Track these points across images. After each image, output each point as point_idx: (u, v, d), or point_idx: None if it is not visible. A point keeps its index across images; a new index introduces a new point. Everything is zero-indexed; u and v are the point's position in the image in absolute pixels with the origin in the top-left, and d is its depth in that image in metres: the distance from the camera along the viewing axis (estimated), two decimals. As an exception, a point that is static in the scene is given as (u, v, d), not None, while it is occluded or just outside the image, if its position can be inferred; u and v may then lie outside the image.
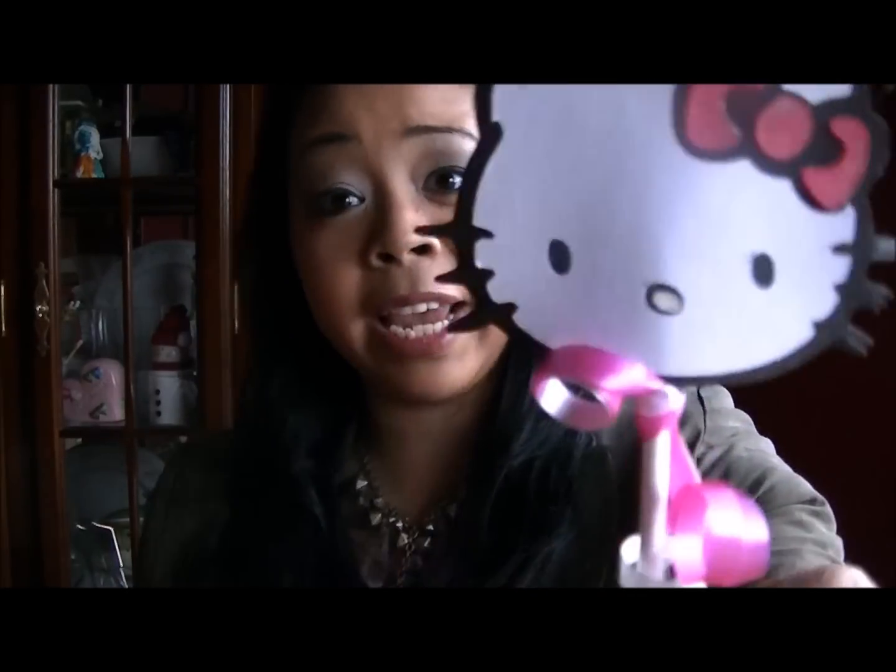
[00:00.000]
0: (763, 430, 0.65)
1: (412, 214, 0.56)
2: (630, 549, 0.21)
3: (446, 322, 0.56)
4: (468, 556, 0.59)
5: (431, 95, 0.57)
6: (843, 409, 1.79)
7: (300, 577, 0.61)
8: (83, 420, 1.62)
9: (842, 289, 0.18)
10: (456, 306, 0.57)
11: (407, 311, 0.56)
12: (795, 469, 0.61)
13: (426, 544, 0.63)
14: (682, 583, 0.21)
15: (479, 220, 0.19)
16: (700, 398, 0.62)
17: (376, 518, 0.64)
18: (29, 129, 1.49)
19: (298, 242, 0.60)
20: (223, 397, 1.51)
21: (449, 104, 0.57)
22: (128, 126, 1.50)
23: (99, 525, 1.58)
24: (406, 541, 0.63)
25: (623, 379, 0.18)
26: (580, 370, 0.19)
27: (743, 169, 0.17)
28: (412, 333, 0.56)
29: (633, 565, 0.21)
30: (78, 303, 1.74)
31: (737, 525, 0.20)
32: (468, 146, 0.57)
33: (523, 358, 0.59)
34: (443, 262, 0.56)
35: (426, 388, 0.57)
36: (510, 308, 0.19)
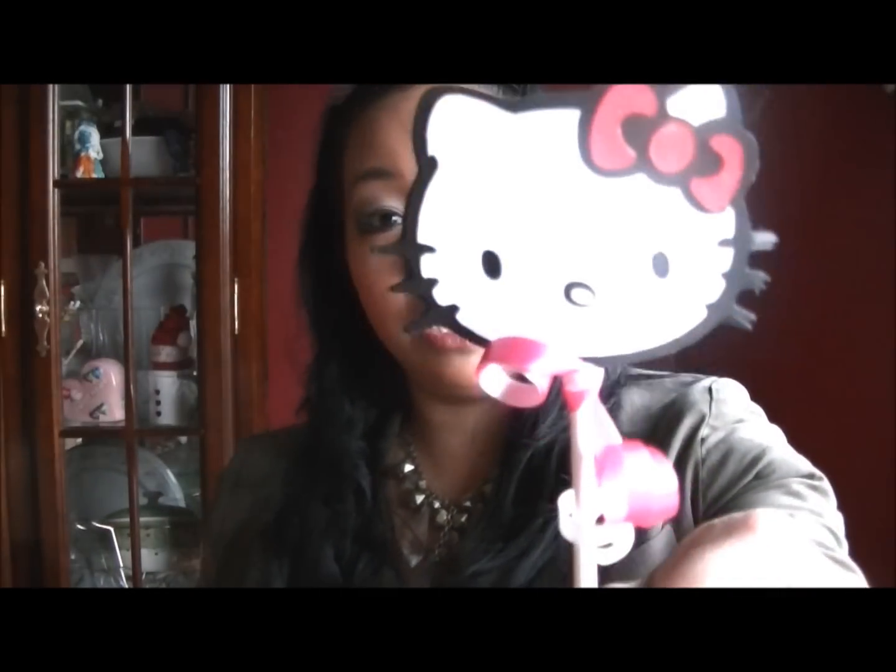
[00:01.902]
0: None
1: None
2: (566, 501, 0.25)
3: None
4: (495, 524, 0.66)
5: None
6: (844, 410, 1.79)
7: (342, 543, 0.69)
8: (83, 420, 1.61)
9: (727, 276, 0.22)
10: None
11: None
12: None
13: (463, 520, 0.71)
14: (608, 526, 0.24)
15: (422, 238, 0.23)
16: (710, 389, 0.68)
17: (419, 499, 0.73)
18: (29, 129, 1.49)
19: (352, 257, 0.70)
20: (223, 397, 1.51)
21: None
22: (128, 126, 1.50)
23: (99, 525, 1.58)
24: (445, 518, 0.72)
25: (548, 362, 0.23)
26: (512, 357, 0.23)
27: (640, 181, 0.21)
28: (445, 330, 0.63)
29: (570, 515, 0.25)
30: (78, 303, 1.74)
31: (649, 476, 0.23)
32: None
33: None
34: None
35: (459, 379, 0.66)
36: (453, 309, 0.24)
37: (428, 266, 0.23)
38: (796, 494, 0.59)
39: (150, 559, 1.57)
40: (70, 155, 1.58)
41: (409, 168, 0.65)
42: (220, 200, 1.50)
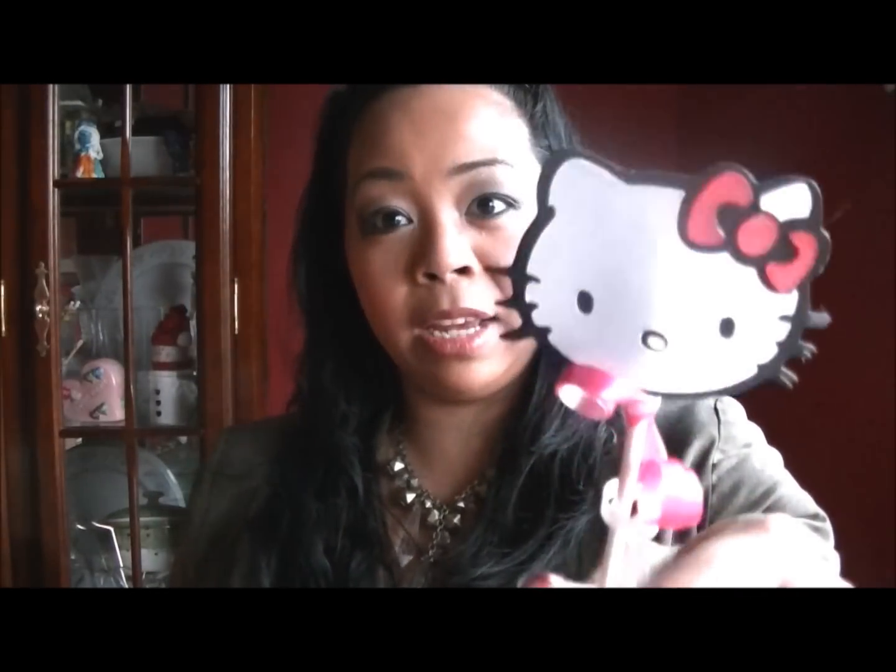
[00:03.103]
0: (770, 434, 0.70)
1: (455, 238, 0.63)
2: (610, 489, 0.29)
3: (477, 328, 0.64)
4: (496, 528, 0.66)
5: (476, 129, 0.64)
6: (845, 411, 1.79)
7: (333, 537, 0.68)
8: (83, 420, 1.61)
9: (780, 344, 0.27)
10: (486, 320, 0.65)
11: (447, 322, 0.64)
12: (798, 475, 0.66)
13: (456, 521, 0.70)
14: (640, 519, 0.29)
15: (530, 269, 0.28)
16: (716, 410, 0.69)
17: (410, 497, 0.72)
18: (29, 129, 1.49)
19: (353, 254, 0.68)
20: (223, 397, 1.51)
21: (491, 135, 0.65)
22: (128, 126, 1.50)
23: (99, 525, 1.58)
24: (437, 517, 0.71)
25: (613, 392, 0.28)
26: (587, 384, 0.29)
27: (724, 259, 0.26)
28: (447, 336, 0.64)
29: (610, 501, 0.29)
30: (78, 303, 1.74)
31: (681, 486, 0.29)
32: (507, 174, 0.65)
33: (552, 366, 0.66)
34: (479, 281, 0.64)
35: (459, 384, 0.65)
36: (546, 330, 0.29)
37: (531, 292, 0.28)
38: None
39: (150, 559, 1.57)
40: (70, 155, 1.58)
41: (417, 169, 0.64)
42: (220, 200, 1.50)
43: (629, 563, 0.30)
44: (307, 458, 0.73)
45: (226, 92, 1.49)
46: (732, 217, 0.24)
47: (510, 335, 0.31)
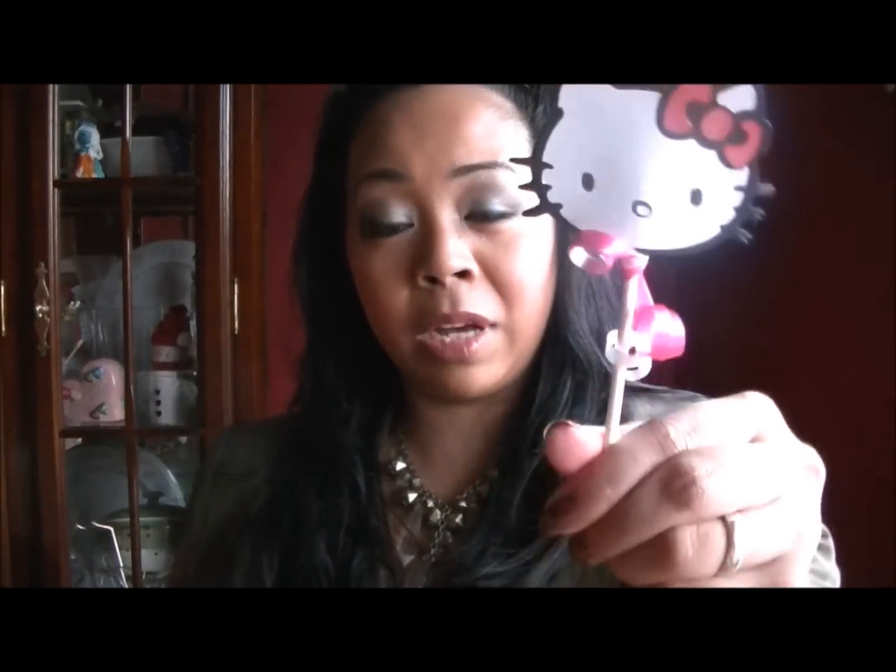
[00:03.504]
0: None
1: (455, 242, 0.64)
2: (612, 337, 0.36)
3: (476, 332, 0.65)
4: (500, 529, 0.66)
5: (477, 131, 0.65)
6: (845, 412, 1.79)
7: (335, 536, 0.68)
8: (83, 420, 1.61)
9: (737, 209, 0.34)
10: (483, 327, 0.65)
11: (446, 326, 0.64)
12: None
13: (458, 520, 0.70)
14: (637, 355, 0.35)
15: (545, 157, 0.35)
16: None
17: (412, 497, 0.72)
18: (29, 129, 1.49)
19: (354, 257, 0.69)
20: (223, 397, 1.51)
21: (492, 137, 0.65)
22: (128, 126, 1.50)
23: (99, 525, 1.58)
24: (439, 517, 0.71)
25: (613, 248, 0.35)
26: (591, 243, 0.35)
27: (691, 144, 0.33)
28: (447, 339, 0.65)
29: (613, 345, 0.35)
30: (78, 303, 1.74)
31: (667, 326, 0.36)
32: (507, 178, 0.65)
33: (555, 363, 0.69)
34: (478, 285, 0.65)
35: (459, 388, 0.66)
36: (559, 206, 0.36)
37: (546, 176, 0.35)
38: None
39: (150, 559, 1.57)
40: (70, 155, 1.58)
41: (418, 171, 0.64)
42: (220, 200, 1.50)
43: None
44: (309, 457, 0.73)
45: (226, 92, 1.49)
46: (697, 111, 0.32)
47: (531, 211, 0.37)
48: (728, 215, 0.34)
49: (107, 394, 1.61)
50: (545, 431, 0.34)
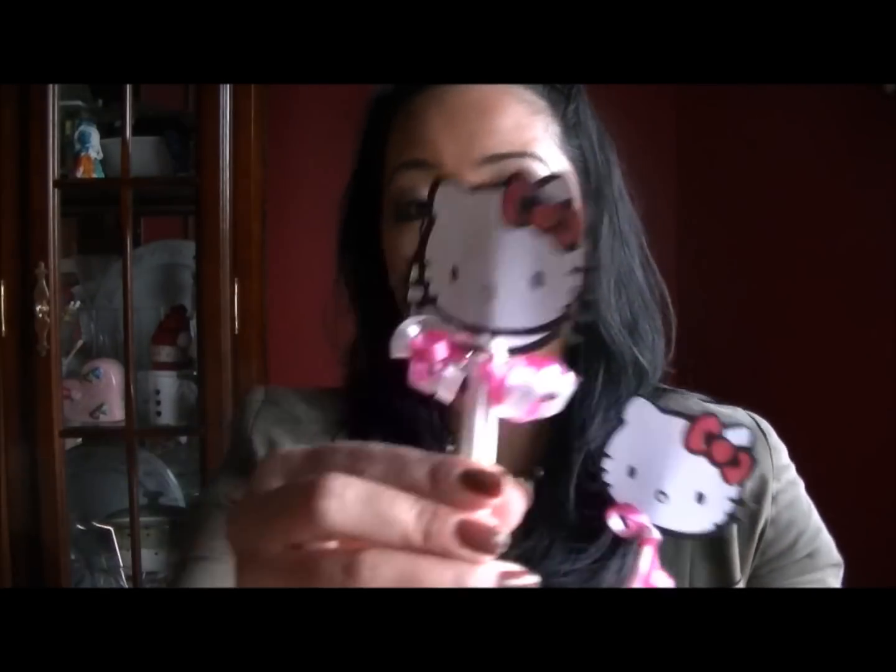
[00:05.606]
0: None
1: None
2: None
3: None
4: (561, 526, 0.66)
5: (507, 123, 0.67)
6: (846, 412, 1.79)
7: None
8: (83, 420, 1.62)
9: (731, 516, 0.44)
10: None
11: None
12: (798, 474, 0.72)
13: None
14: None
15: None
16: (762, 431, 0.72)
17: None
18: (29, 129, 1.49)
19: (386, 241, 0.71)
20: (223, 397, 1.51)
21: (522, 130, 0.67)
22: (128, 126, 1.50)
23: (99, 525, 1.58)
24: None
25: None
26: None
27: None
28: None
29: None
30: (78, 303, 1.74)
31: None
32: (537, 168, 0.66)
33: (593, 357, 0.69)
34: None
35: None
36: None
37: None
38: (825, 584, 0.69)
39: (150, 559, 1.57)
40: (70, 155, 1.58)
41: (448, 160, 0.66)
42: (220, 200, 1.50)
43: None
44: (377, 426, 0.72)
45: (226, 92, 1.49)
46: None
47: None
48: (722, 517, 0.44)
49: (107, 394, 1.61)
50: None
